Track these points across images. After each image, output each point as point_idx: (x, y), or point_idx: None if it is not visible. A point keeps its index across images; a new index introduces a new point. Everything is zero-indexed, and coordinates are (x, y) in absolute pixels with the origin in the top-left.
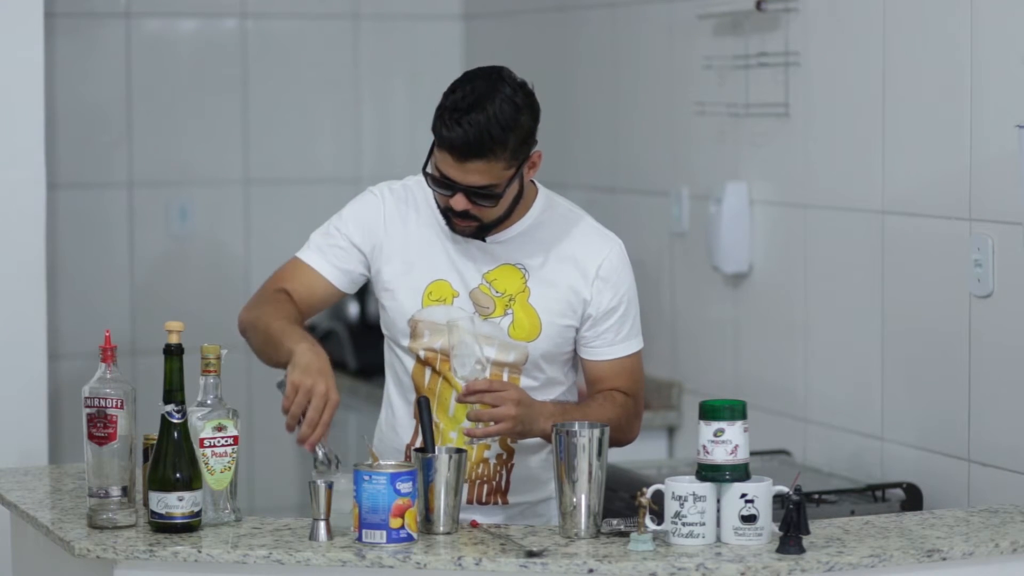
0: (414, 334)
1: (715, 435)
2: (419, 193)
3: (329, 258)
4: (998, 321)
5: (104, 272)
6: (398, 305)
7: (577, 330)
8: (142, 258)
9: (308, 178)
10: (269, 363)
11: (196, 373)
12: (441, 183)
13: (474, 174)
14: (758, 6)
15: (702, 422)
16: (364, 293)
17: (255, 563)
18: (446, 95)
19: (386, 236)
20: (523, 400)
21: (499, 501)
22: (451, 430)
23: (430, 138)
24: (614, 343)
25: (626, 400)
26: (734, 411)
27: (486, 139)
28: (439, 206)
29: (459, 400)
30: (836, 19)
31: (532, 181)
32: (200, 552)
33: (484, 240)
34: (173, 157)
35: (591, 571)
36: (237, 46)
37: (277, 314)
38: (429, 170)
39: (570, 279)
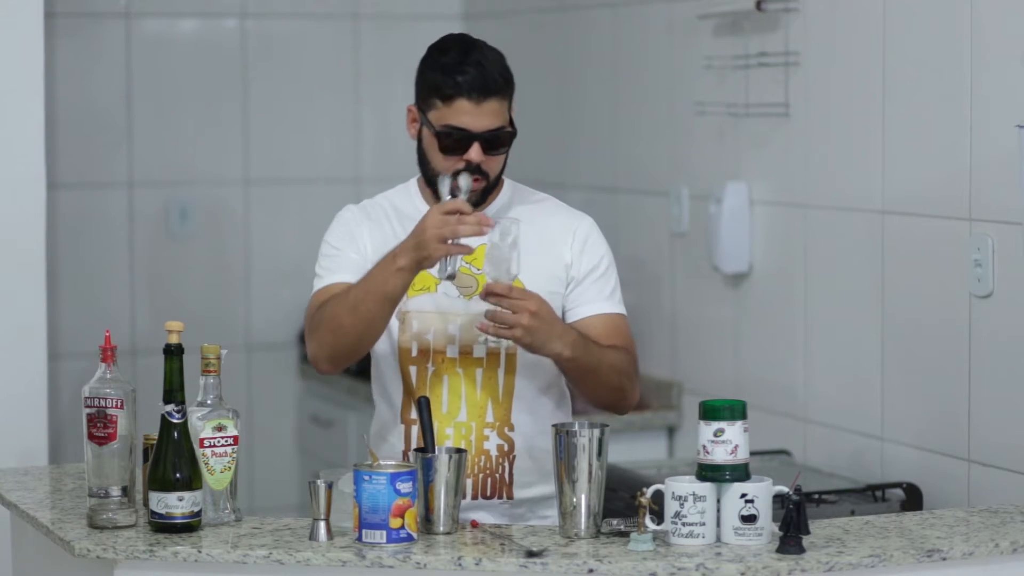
0: (403, 326)
1: (715, 435)
2: (385, 203)
3: (353, 273)
4: (998, 321)
5: (104, 272)
6: None
7: (562, 297)
8: (142, 258)
9: (308, 178)
10: (377, 318)
11: (196, 373)
12: (456, 137)
13: (488, 116)
14: (758, 6)
15: (702, 422)
16: None
17: (255, 563)
18: (435, 57)
19: (367, 242)
20: (541, 313)
21: (504, 496)
22: (447, 426)
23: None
24: (600, 299)
25: (628, 355)
26: (734, 411)
27: (497, 76)
28: (438, 180)
29: (481, 298)
30: (836, 19)
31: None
32: (200, 552)
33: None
34: (173, 157)
35: (591, 571)
36: (237, 46)
37: (344, 290)
38: (438, 129)
39: (549, 245)
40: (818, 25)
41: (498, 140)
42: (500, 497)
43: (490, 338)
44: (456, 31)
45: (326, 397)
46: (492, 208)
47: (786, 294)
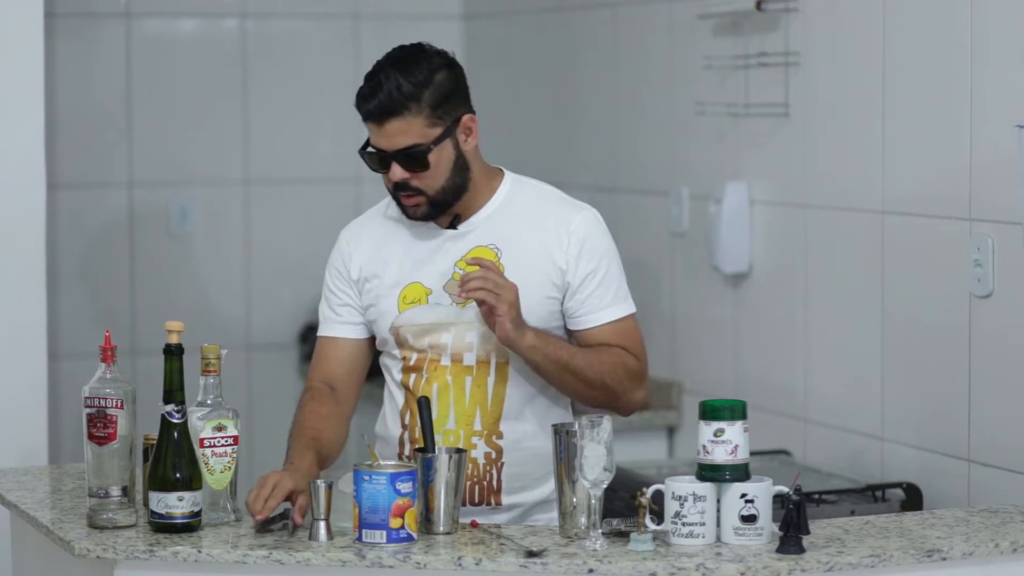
0: (398, 341)
1: (715, 435)
2: (380, 211)
3: (343, 319)
4: (998, 321)
5: (104, 272)
6: (379, 317)
7: (560, 303)
8: (142, 258)
9: (308, 178)
10: None
11: (196, 373)
12: (375, 158)
13: (396, 136)
14: (758, 6)
15: (702, 422)
16: None
17: (255, 563)
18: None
19: (356, 270)
20: (515, 305)
21: (492, 502)
22: (435, 432)
23: None
24: (601, 308)
25: (626, 355)
26: (734, 411)
27: (396, 96)
28: (393, 195)
29: (467, 263)
30: (836, 19)
31: (500, 169)
32: (200, 552)
33: (455, 227)
34: (173, 157)
35: (591, 571)
36: (237, 46)
37: (301, 429)
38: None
39: (544, 248)
40: (818, 25)
41: (412, 158)
42: (488, 504)
43: (477, 348)
44: (456, 31)
45: None
46: (491, 206)
47: (786, 294)
